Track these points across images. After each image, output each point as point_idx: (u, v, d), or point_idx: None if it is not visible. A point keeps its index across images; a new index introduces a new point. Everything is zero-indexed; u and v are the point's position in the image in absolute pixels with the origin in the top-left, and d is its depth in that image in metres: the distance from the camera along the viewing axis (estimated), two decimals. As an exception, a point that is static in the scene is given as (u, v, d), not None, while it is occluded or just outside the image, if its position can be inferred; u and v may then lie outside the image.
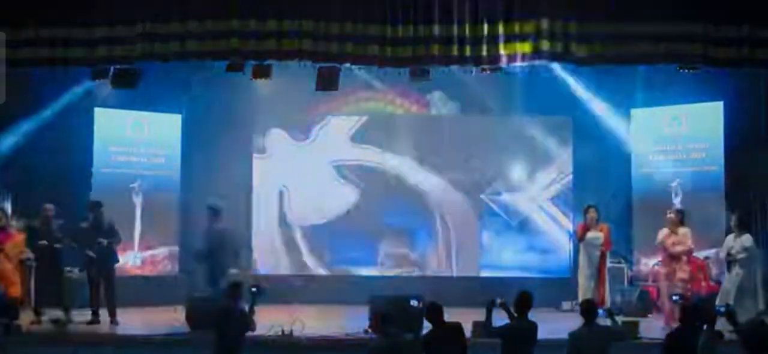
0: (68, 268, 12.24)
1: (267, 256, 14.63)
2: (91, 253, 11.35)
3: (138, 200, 13.75)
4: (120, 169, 13.75)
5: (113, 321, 11.31)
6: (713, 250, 11.89)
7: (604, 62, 10.71)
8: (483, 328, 8.04)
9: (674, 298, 9.47)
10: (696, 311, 7.31)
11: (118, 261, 11.79)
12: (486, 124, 14.54)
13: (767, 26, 10.41)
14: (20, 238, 11.31)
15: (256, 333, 8.47)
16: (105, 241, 11.42)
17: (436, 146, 14.62)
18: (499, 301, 7.81)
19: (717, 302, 9.94)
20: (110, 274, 11.50)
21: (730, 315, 7.29)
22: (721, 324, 7.24)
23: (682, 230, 11.16)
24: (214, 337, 8.12)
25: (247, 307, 8.28)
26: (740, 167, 12.60)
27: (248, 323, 8.17)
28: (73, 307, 11.56)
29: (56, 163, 13.08)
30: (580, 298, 10.91)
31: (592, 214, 11.46)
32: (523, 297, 7.77)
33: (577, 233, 11.83)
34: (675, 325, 10.49)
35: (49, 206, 11.67)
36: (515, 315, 7.76)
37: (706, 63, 10.54)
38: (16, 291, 10.98)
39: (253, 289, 8.38)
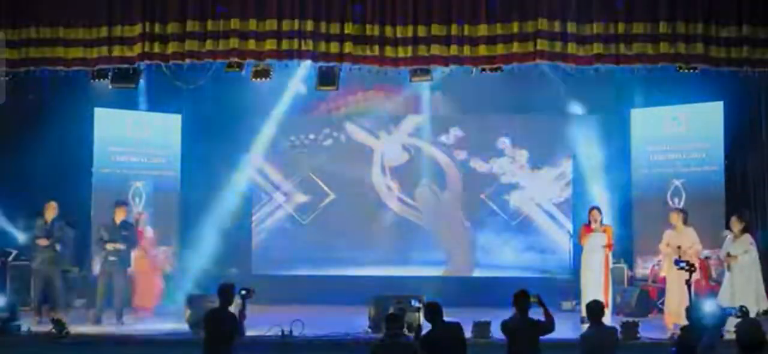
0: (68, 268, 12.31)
1: (267, 255, 14.65)
2: (110, 251, 11.38)
3: (138, 200, 13.74)
4: (120, 169, 13.77)
5: (120, 321, 11.34)
6: (713, 250, 11.88)
7: (603, 62, 10.69)
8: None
9: (681, 264, 9.45)
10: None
11: (130, 264, 11.83)
12: (486, 124, 14.54)
13: (767, 26, 10.41)
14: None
15: (256, 333, 8.41)
16: (122, 244, 11.47)
17: (436, 146, 14.64)
18: (533, 296, 7.84)
19: (718, 302, 9.92)
20: (124, 274, 11.53)
21: (744, 316, 7.31)
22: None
23: (689, 230, 11.13)
24: (204, 339, 8.03)
25: (238, 311, 8.11)
26: (740, 167, 12.60)
27: (236, 328, 7.95)
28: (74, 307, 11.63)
29: (56, 163, 13.09)
30: (584, 299, 10.88)
31: (595, 214, 11.43)
32: (516, 297, 7.78)
33: (580, 234, 11.79)
34: (674, 323, 10.61)
35: (54, 203, 11.66)
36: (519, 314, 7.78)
37: (706, 63, 10.53)
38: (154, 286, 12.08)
39: (243, 292, 8.17)
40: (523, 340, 7.64)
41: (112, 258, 11.42)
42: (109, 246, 11.39)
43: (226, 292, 8.08)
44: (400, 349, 7.23)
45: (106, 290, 11.46)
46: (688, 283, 9.31)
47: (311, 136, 14.73)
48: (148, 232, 12.58)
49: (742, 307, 7.81)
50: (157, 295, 12.42)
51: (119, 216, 11.60)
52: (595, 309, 7.70)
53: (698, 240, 11.07)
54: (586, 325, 7.99)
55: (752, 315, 9.33)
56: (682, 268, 9.29)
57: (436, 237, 14.57)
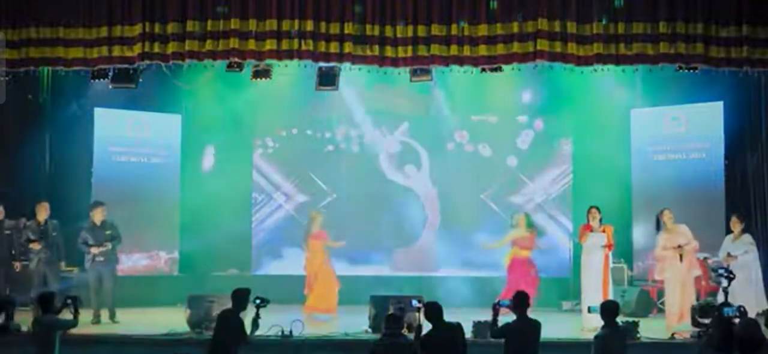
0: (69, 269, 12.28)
1: (267, 255, 14.65)
2: (96, 254, 11.37)
3: (138, 200, 13.73)
4: (120, 169, 13.76)
5: (113, 320, 11.34)
6: (713, 251, 11.87)
7: (603, 62, 10.70)
8: (489, 328, 8.07)
9: (720, 270, 9.47)
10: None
11: (118, 261, 11.80)
12: (486, 123, 14.54)
13: (767, 26, 10.42)
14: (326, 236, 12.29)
15: (256, 333, 8.38)
16: (108, 243, 11.45)
17: (436, 146, 14.65)
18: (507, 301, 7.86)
19: (720, 302, 9.95)
20: (111, 274, 11.52)
21: (743, 316, 7.31)
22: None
23: (682, 228, 11.12)
24: (211, 339, 8.01)
25: (251, 318, 8.12)
26: (740, 167, 12.60)
27: (243, 336, 7.95)
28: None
29: (56, 163, 13.08)
30: (583, 300, 10.87)
31: (594, 213, 11.43)
32: (518, 296, 7.80)
33: (579, 233, 11.77)
34: (677, 323, 10.63)
35: (45, 204, 11.63)
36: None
37: (706, 63, 10.54)
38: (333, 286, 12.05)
39: (258, 302, 8.14)
40: (523, 340, 7.64)
41: (99, 258, 11.42)
42: (94, 249, 11.39)
43: (240, 298, 8.07)
44: (400, 349, 7.24)
45: (98, 290, 11.43)
46: (725, 290, 9.36)
47: (312, 136, 14.73)
48: (325, 233, 12.41)
49: (740, 307, 7.82)
50: (335, 297, 12.28)
51: (98, 217, 11.54)
52: (611, 309, 7.69)
53: (692, 236, 11.07)
54: (588, 325, 8.00)
55: (752, 315, 9.37)
56: (721, 276, 9.36)
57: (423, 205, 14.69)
